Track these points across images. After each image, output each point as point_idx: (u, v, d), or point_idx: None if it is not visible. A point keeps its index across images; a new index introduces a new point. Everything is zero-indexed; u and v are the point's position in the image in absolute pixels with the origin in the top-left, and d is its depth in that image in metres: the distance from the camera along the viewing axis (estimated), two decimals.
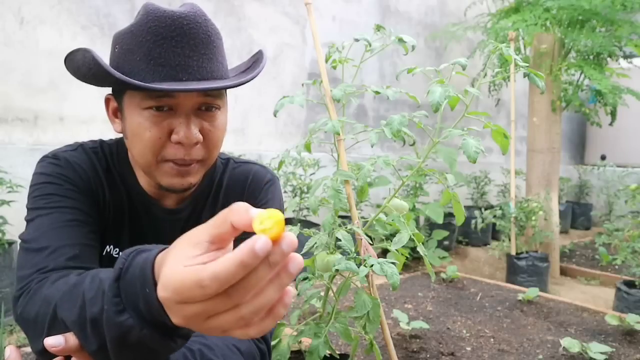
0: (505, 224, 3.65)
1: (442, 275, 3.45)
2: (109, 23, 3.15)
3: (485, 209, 4.09)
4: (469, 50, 5.20)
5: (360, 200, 1.55)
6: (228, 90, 0.91)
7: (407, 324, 2.35)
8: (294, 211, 3.53)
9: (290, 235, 0.43)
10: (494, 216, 3.70)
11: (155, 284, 0.49)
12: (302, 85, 1.54)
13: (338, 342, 2.27)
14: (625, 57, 4.21)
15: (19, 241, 0.84)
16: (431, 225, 4.13)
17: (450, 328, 2.53)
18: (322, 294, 1.44)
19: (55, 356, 0.63)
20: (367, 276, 1.23)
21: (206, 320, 0.46)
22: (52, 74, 2.91)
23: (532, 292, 2.98)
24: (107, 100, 0.90)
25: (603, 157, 6.86)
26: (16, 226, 2.14)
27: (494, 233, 4.91)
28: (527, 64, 1.26)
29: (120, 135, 0.91)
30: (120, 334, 0.54)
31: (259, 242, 0.41)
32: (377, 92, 1.39)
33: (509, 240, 3.66)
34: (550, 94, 3.88)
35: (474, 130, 1.28)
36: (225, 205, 1.05)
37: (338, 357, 1.49)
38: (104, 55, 0.80)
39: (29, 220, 0.84)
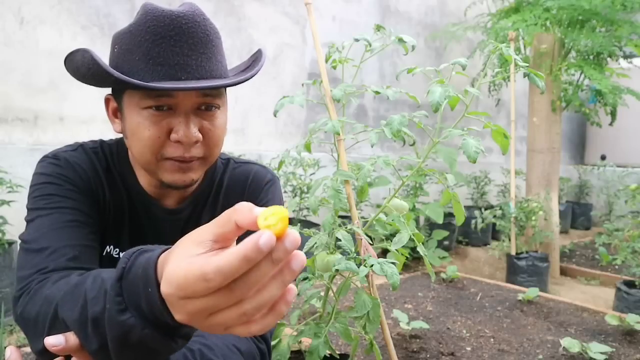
0: (505, 224, 3.65)
1: (442, 275, 3.45)
2: (109, 23, 3.15)
3: (485, 209, 4.09)
4: (469, 50, 5.21)
5: (360, 200, 1.55)
6: (228, 90, 0.91)
7: (407, 324, 2.35)
8: (294, 211, 3.52)
9: (294, 233, 0.43)
10: (494, 216, 3.70)
11: (157, 284, 0.50)
12: (302, 85, 1.54)
13: (338, 342, 2.27)
14: (625, 57, 4.21)
15: (19, 241, 0.84)
16: (431, 225, 4.13)
17: (450, 328, 2.53)
18: (322, 294, 1.44)
19: (56, 356, 0.63)
20: (367, 276, 1.23)
21: (208, 317, 0.46)
22: (52, 74, 2.91)
23: (532, 292, 2.98)
24: (106, 100, 0.90)
25: (603, 157, 6.85)
26: (16, 226, 2.14)
27: (494, 233, 4.91)
28: (527, 64, 1.26)
29: (121, 135, 0.91)
30: (122, 333, 0.54)
31: (263, 237, 0.41)
32: (377, 92, 1.39)
33: (509, 240, 3.66)
34: (550, 94, 3.88)
35: (474, 130, 1.28)
36: (226, 205, 1.05)
37: (338, 357, 1.49)
38: (104, 55, 0.80)
39: (29, 221, 0.84)
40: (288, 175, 3.55)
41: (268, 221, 0.43)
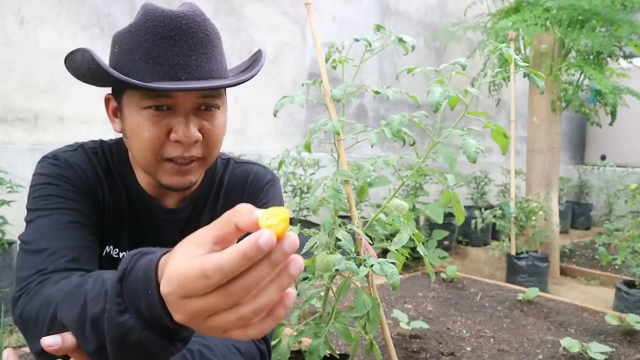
0: (505, 224, 3.65)
1: (442, 275, 3.45)
2: (109, 23, 3.15)
3: (485, 209, 4.08)
4: (469, 50, 5.20)
5: (360, 200, 1.55)
6: (228, 91, 0.91)
7: (407, 324, 2.35)
8: (294, 211, 3.52)
9: (293, 236, 0.44)
10: (494, 216, 3.70)
11: (158, 286, 0.50)
12: (302, 85, 1.54)
13: (338, 342, 2.27)
14: (625, 57, 4.21)
15: (19, 241, 0.84)
16: (431, 225, 4.13)
17: (450, 328, 2.53)
18: (322, 294, 1.44)
19: (55, 357, 0.63)
20: (367, 276, 1.23)
21: (207, 320, 0.46)
22: (52, 74, 2.91)
23: (532, 292, 2.98)
24: (106, 100, 0.90)
25: (603, 157, 6.85)
26: (16, 226, 2.14)
27: (494, 233, 4.91)
28: (527, 64, 1.26)
29: (120, 135, 0.91)
30: (121, 334, 0.54)
31: (263, 236, 0.41)
32: (377, 92, 1.39)
33: (509, 240, 3.65)
34: (550, 94, 3.88)
35: (474, 130, 1.28)
36: (226, 205, 1.05)
37: (338, 357, 1.49)
38: (104, 55, 0.80)
39: (28, 221, 0.84)
40: (288, 175, 3.55)
41: (269, 221, 0.43)
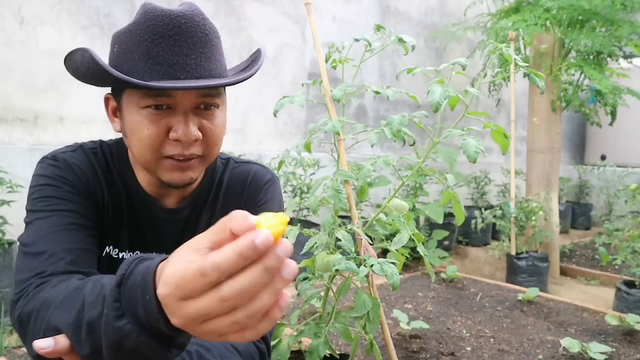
0: (505, 224, 3.65)
1: (442, 275, 3.45)
2: (109, 23, 3.15)
3: (485, 209, 4.08)
4: (469, 50, 5.20)
5: (360, 200, 1.55)
6: (228, 90, 0.91)
7: (407, 324, 2.35)
8: (294, 211, 3.52)
9: (286, 242, 0.44)
10: (494, 216, 3.70)
11: (155, 292, 0.50)
12: (302, 85, 1.54)
13: (338, 342, 2.27)
14: (625, 57, 4.21)
15: (18, 242, 0.84)
16: (431, 225, 4.13)
17: (450, 328, 2.53)
18: (322, 294, 1.44)
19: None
20: (367, 276, 1.23)
21: (203, 324, 0.46)
22: (52, 74, 2.91)
23: (532, 292, 2.98)
24: (106, 100, 0.90)
25: (603, 157, 6.85)
26: (16, 226, 2.14)
27: (494, 233, 4.91)
28: (527, 64, 1.26)
29: (120, 135, 0.91)
30: (118, 339, 0.54)
31: (260, 236, 0.42)
32: (377, 92, 1.39)
33: (509, 240, 3.65)
34: (550, 94, 3.88)
35: (474, 130, 1.28)
36: (225, 205, 1.05)
37: (338, 357, 1.49)
38: (104, 55, 0.80)
39: (28, 223, 0.84)
40: (288, 175, 3.55)
41: (268, 222, 0.45)
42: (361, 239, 1.31)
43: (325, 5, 4.34)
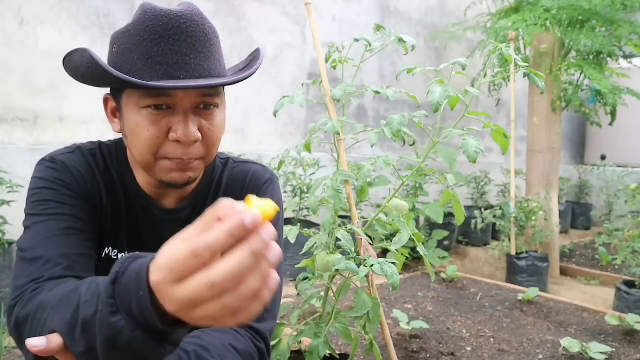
0: (505, 224, 3.65)
1: (442, 275, 3.45)
2: (109, 23, 3.15)
3: (485, 209, 4.08)
4: (469, 50, 5.20)
5: (360, 200, 1.55)
6: (227, 90, 0.91)
7: (407, 324, 2.35)
8: (294, 211, 3.52)
9: (269, 225, 0.46)
10: (494, 216, 3.70)
11: (149, 288, 0.51)
12: (302, 85, 1.54)
13: (338, 342, 2.27)
14: (625, 57, 4.21)
15: (17, 247, 0.83)
16: (431, 225, 4.13)
17: (450, 328, 2.53)
18: (322, 294, 1.44)
19: None
20: (367, 276, 1.23)
21: (195, 309, 0.47)
22: (52, 74, 2.91)
23: (532, 292, 2.98)
24: (105, 100, 0.89)
25: (603, 157, 6.85)
26: (16, 226, 2.13)
27: (494, 233, 4.91)
28: (527, 64, 1.26)
29: (120, 136, 0.91)
30: (112, 335, 0.54)
31: (249, 214, 0.44)
32: (377, 92, 1.39)
33: (509, 240, 3.65)
34: (550, 94, 3.88)
35: (474, 130, 1.28)
36: None
37: (338, 357, 1.49)
38: (104, 55, 0.80)
39: (26, 227, 0.84)
40: (288, 175, 3.55)
41: (258, 202, 0.48)
42: (361, 239, 1.31)
43: (325, 5, 4.34)
